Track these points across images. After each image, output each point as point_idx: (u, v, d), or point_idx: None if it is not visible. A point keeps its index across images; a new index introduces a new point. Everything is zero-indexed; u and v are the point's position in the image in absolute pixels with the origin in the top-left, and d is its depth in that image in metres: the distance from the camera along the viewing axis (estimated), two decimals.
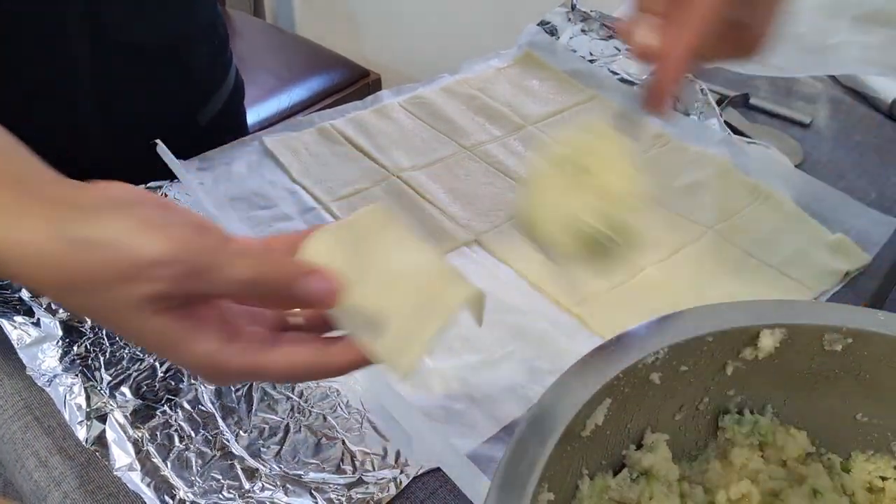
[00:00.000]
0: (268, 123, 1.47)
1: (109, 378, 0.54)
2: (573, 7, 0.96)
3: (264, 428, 0.51)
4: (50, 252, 0.32)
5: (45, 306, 0.58)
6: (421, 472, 0.50)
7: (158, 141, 0.71)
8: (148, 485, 0.47)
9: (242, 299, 0.38)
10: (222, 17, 0.83)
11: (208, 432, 0.51)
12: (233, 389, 0.53)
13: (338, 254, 0.38)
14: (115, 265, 0.32)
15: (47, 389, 0.53)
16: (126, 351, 0.56)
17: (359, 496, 0.48)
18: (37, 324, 0.57)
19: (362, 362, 0.37)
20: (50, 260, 0.32)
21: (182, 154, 0.72)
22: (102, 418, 0.51)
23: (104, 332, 0.57)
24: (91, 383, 0.53)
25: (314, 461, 0.50)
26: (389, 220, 0.41)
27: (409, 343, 0.37)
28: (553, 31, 0.96)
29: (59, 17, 0.64)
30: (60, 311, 0.58)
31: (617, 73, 0.90)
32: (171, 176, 0.70)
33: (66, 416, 0.51)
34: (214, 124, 0.84)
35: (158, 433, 0.50)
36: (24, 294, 0.58)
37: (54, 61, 0.67)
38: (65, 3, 0.64)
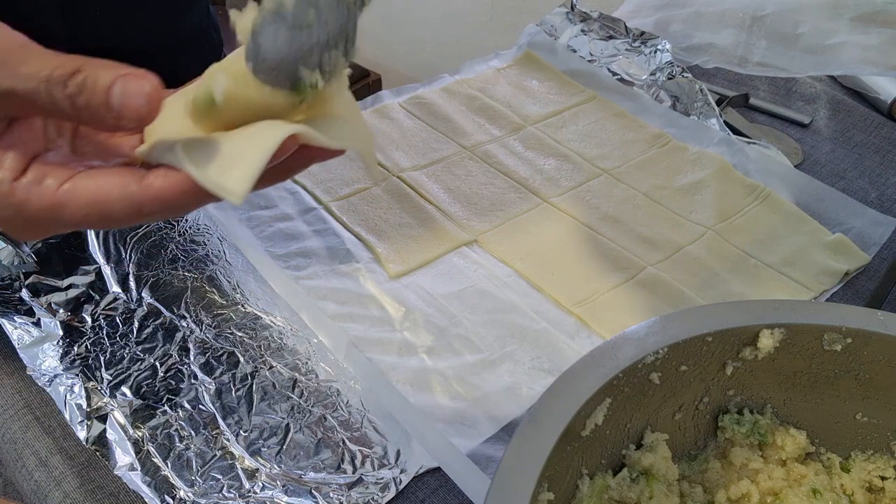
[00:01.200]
0: None
1: (110, 378, 0.54)
2: (573, 7, 0.96)
3: (264, 428, 0.51)
4: None
5: (45, 306, 0.58)
6: (421, 472, 0.50)
7: None
8: (148, 485, 0.48)
9: (47, 107, 0.31)
10: (216, 21, 0.81)
11: (208, 432, 0.51)
12: (233, 389, 0.53)
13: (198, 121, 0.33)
14: None
15: (47, 389, 0.53)
16: (126, 351, 0.56)
17: (359, 496, 0.48)
18: (37, 324, 0.57)
19: (188, 190, 0.32)
20: None
21: None
22: (102, 418, 0.51)
23: (104, 332, 0.57)
24: (91, 383, 0.53)
25: (314, 461, 0.50)
26: None
27: (240, 159, 0.30)
28: (553, 32, 0.96)
29: (34, 19, 0.63)
30: (61, 311, 0.58)
31: (617, 74, 0.90)
32: None
33: (67, 416, 0.51)
34: None
35: (158, 433, 0.50)
36: (25, 294, 0.58)
37: None
38: (40, 7, 0.62)
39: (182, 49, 0.75)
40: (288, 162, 0.33)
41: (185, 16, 0.75)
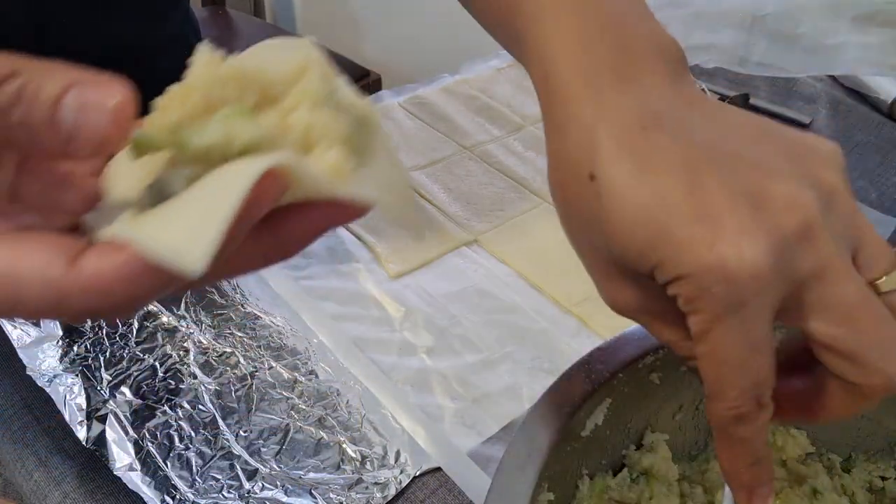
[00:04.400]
0: None
1: (109, 378, 0.54)
2: None
3: (264, 428, 0.51)
4: None
5: None
6: (421, 472, 0.50)
7: None
8: (148, 485, 0.47)
9: None
10: (196, 25, 0.80)
11: (208, 432, 0.51)
12: (233, 389, 0.53)
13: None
14: None
15: (47, 389, 0.53)
16: (126, 351, 0.56)
17: (359, 496, 0.48)
18: (37, 324, 0.57)
19: (127, 277, 0.22)
20: None
21: None
22: (102, 418, 0.51)
23: (104, 332, 0.57)
24: (91, 383, 0.53)
25: (314, 461, 0.50)
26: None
27: (198, 215, 0.22)
28: None
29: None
30: None
31: None
32: None
33: (66, 416, 0.51)
34: None
35: (158, 433, 0.50)
36: None
37: None
38: (3, 9, 0.60)
39: (156, 55, 0.71)
40: (284, 226, 0.24)
41: (164, 19, 0.73)
